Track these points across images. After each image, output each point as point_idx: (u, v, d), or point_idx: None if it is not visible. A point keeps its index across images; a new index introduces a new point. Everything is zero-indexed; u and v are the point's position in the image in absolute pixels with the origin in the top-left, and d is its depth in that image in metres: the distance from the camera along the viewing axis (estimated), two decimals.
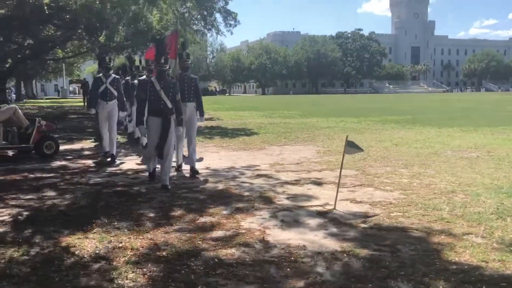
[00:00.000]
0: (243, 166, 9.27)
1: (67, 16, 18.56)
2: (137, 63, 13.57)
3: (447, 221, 5.33)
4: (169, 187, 7.16)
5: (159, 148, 7.30)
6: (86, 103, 22.04)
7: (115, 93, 10.06)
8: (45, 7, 17.01)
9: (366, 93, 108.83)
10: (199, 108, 8.64)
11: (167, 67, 7.49)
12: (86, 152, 11.63)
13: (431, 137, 13.75)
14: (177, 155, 8.65)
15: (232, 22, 23.14)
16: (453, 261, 4.18)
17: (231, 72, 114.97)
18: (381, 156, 10.19)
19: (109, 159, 9.93)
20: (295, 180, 7.80)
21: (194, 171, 8.31)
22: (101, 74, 10.30)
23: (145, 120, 7.38)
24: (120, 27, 16.63)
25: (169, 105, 7.28)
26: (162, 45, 7.90)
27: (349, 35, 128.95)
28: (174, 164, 8.47)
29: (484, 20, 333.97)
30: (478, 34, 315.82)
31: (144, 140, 9.94)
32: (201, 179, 8.00)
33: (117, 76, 10.61)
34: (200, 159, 9.74)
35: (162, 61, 7.33)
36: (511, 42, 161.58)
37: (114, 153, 10.12)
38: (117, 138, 10.79)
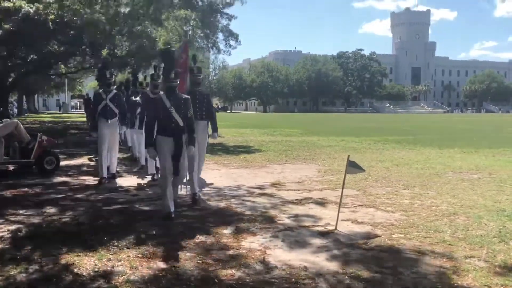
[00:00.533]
0: (244, 184, 9.24)
1: (72, 32, 18.72)
2: (140, 80, 12.64)
3: (449, 244, 5.30)
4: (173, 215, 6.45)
5: (174, 170, 6.54)
6: (87, 120, 21.81)
7: (116, 110, 9.45)
8: (50, 23, 17.18)
9: (367, 112, 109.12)
10: (213, 125, 8.30)
11: (177, 82, 6.73)
12: (87, 168, 11.60)
13: (432, 158, 13.73)
14: (191, 181, 7.63)
15: (233, 43, 23.32)
16: (455, 284, 4.14)
17: (233, 89, 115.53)
18: (382, 177, 10.16)
19: (107, 181, 9.28)
20: (296, 199, 7.77)
21: (195, 199, 7.52)
22: (101, 90, 9.72)
23: (154, 140, 6.59)
24: (125, 43, 16.77)
25: (181, 123, 6.54)
26: (171, 59, 7.75)
27: (350, 55, 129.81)
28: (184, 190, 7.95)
29: (485, 42, 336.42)
30: (479, 56, 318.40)
31: (151, 164, 9.45)
32: (202, 197, 7.96)
33: (118, 92, 9.98)
34: (208, 184, 9.18)
35: (172, 75, 6.64)
36: (511, 64, 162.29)
37: (115, 172, 9.85)
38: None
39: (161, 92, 8.37)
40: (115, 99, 9.45)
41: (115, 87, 10.41)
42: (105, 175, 9.29)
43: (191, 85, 8.07)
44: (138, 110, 10.66)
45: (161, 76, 9.37)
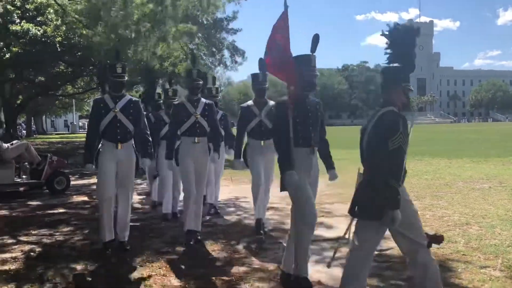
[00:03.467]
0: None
1: (79, 53, 18.91)
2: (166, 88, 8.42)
3: (463, 254, 5.26)
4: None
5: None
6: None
7: (131, 128, 5.77)
8: (57, 45, 17.38)
9: None
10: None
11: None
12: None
13: (441, 168, 13.67)
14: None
15: (240, 60, 23.36)
16: None
17: (238, 105, 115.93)
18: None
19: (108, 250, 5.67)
20: None
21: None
22: (105, 95, 5.88)
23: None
24: (131, 62, 16.90)
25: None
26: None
27: (355, 67, 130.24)
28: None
29: (489, 51, 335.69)
30: (483, 65, 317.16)
31: (167, 202, 7.56)
32: (213, 213, 7.93)
33: (135, 98, 6.07)
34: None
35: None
36: None
37: (126, 239, 5.85)
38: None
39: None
40: (129, 108, 5.77)
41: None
42: (109, 238, 5.69)
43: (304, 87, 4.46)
44: (166, 128, 7.31)
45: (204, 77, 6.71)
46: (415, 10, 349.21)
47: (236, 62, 23.55)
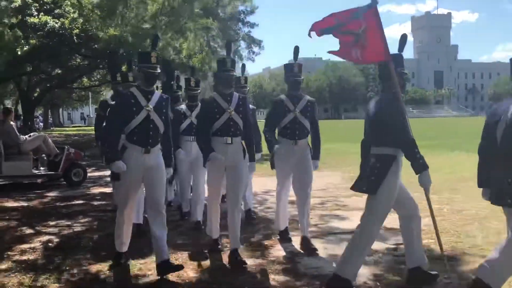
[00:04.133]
0: (268, 192, 9.22)
1: (95, 46, 19.02)
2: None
3: (481, 248, 5.20)
4: None
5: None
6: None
7: (162, 129, 4.72)
8: (74, 37, 17.51)
9: None
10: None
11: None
12: None
13: (460, 162, 13.51)
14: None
15: (256, 50, 23.16)
16: None
17: (253, 98, 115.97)
18: (409, 182, 9.93)
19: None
20: (322, 206, 7.73)
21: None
22: (133, 88, 4.74)
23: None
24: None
25: None
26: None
27: None
28: None
29: (507, 43, 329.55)
30: (502, 58, 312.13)
31: (198, 209, 6.59)
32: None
33: (165, 96, 4.94)
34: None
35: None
36: None
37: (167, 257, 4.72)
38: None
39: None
40: (162, 107, 4.75)
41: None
42: (125, 249, 4.93)
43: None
44: (187, 123, 6.72)
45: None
46: (432, 1, 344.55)
47: (253, 52, 23.36)
